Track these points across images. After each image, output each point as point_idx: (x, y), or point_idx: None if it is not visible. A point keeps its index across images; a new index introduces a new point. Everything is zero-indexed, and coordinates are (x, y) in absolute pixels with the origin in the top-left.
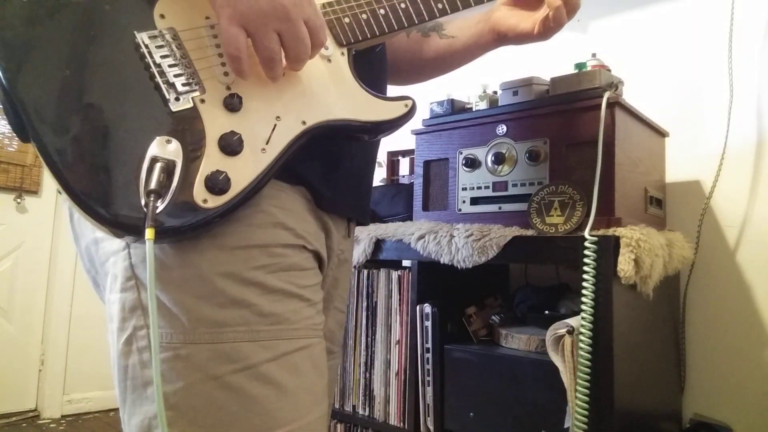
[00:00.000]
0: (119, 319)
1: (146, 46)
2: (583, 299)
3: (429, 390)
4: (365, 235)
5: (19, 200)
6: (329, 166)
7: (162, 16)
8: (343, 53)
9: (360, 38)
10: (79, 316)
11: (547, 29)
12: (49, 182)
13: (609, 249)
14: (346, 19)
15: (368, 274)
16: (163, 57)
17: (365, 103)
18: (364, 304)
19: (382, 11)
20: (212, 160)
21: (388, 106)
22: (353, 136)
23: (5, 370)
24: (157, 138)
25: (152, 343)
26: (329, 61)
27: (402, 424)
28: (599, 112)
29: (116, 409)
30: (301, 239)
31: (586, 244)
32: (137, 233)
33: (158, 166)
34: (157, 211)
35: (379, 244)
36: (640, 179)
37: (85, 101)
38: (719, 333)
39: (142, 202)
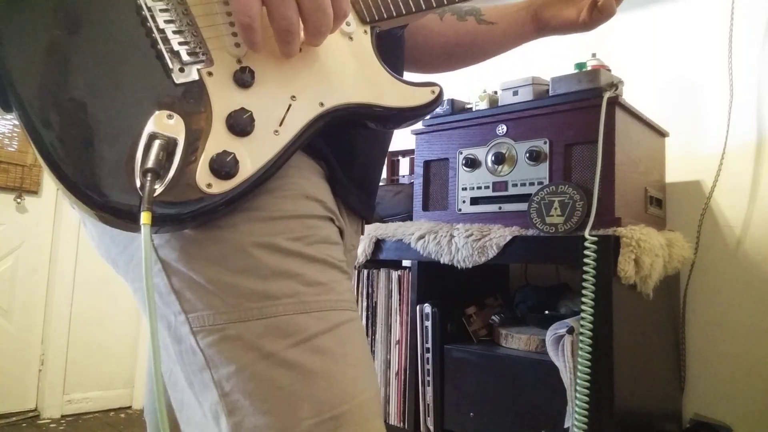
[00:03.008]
0: (160, 306)
1: (149, 9)
2: (583, 299)
3: (429, 390)
4: (365, 235)
5: (19, 200)
6: (345, 158)
7: None
8: (366, 31)
9: (385, 16)
10: (79, 316)
11: (594, 19)
12: (49, 182)
13: (609, 249)
14: None
15: (368, 274)
16: (167, 22)
17: (389, 87)
18: (364, 304)
19: None
20: (219, 139)
21: (414, 92)
22: (373, 123)
23: (5, 370)
24: (157, 112)
25: (151, 336)
26: (351, 39)
27: (402, 424)
28: (599, 112)
29: (116, 409)
30: (329, 212)
31: (586, 244)
32: (132, 219)
33: (157, 143)
34: (155, 194)
35: (379, 244)
36: (640, 179)
37: (77, 68)
38: (719, 333)
39: (138, 183)
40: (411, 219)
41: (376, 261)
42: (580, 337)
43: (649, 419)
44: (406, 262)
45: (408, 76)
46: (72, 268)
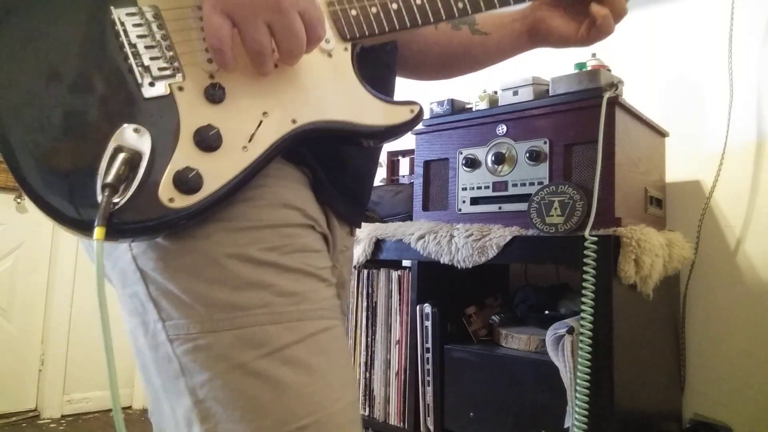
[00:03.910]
0: (141, 313)
1: (122, 24)
2: (583, 299)
3: (429, 390)
4: (365, 235)
5: (19, 200)
6: (333, 167)
7: None
8: (346, 48)
9: (366, 33)
10: (79, 316)
11: (592, 36)
12: None
13: (609, 249)
14: (353, 12)
15: (368, 274)
16: (139, 37)
17: (366, 105)
18: (364, 304)
19: (394, 6)
20: (184, 155)
21: (392, 110)
22: (351, 140)
23: (5, 370)
24: (125, 125)
25: (104, 341)
26: (330, 56)
27: (402, 424)
28: (599, 112)
29: None
30: (310, 219)
31: (586, 244)
32: (89, 232)
33: (121, 156)
34: (116, 207)
35: (379, 244)
36: (640, 179)
37: (49, 79)
38: (719, 333)
39: (98, 196)
40: (411, 219)
41: (376, 261)
42: (580, 337)
43: (649, 419)
44: (406, 262)
45: (405, 83)
46: (72, 268)
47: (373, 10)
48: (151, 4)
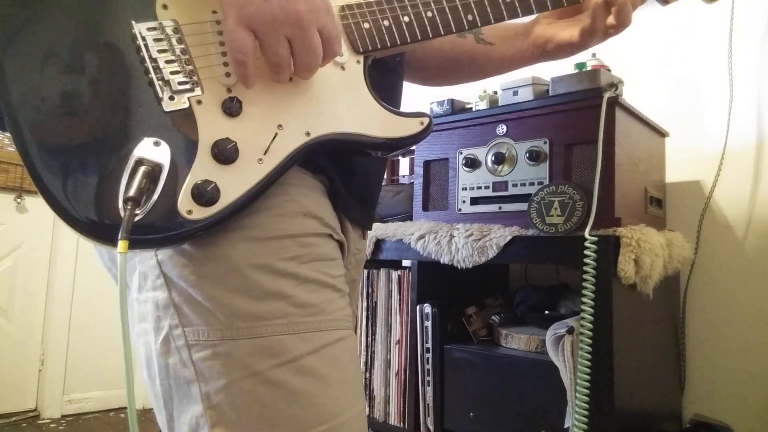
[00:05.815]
0: (154, 319)
1: (143, 39)
2: (583, 299)
3: (429, 390)
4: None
5: (19, 200)
6: (346, 173)
7: (165, 7)
8: (359, 61)
9: (379, 46)
10: (79, 316)
11: (583, 41)
12: None
13: (609, 249)
14: (366, 25)
15: (368, 274)
16: (160, 51)
17: (377, 117)
18: (364, 304)
19: (406, 18)
20: (203, 167)
21: (403, 123)
22: (362, 151)
23: (5, 370)
24: (146, 139)
25: (124, 349)
26: (343, 69)
27: (402, 424)
28: (599, 112)
29: (116, 409)
30: (328, 228)
31: (586, 244)
32: (111, 243)
33: (142, 169)
34: (136, 219)
35: (379, 244)
36: (640, 179)
37: (72, 92)
38: (719, 333)
39: (120, 208)
40: (411, 219)
41: (376, 261)
42: (580, 337)
43: (649, 419)
44: (406, 262)
45: (407, 87)
46: (72, 268)
47: (386, 23)
48: (171, 18)
